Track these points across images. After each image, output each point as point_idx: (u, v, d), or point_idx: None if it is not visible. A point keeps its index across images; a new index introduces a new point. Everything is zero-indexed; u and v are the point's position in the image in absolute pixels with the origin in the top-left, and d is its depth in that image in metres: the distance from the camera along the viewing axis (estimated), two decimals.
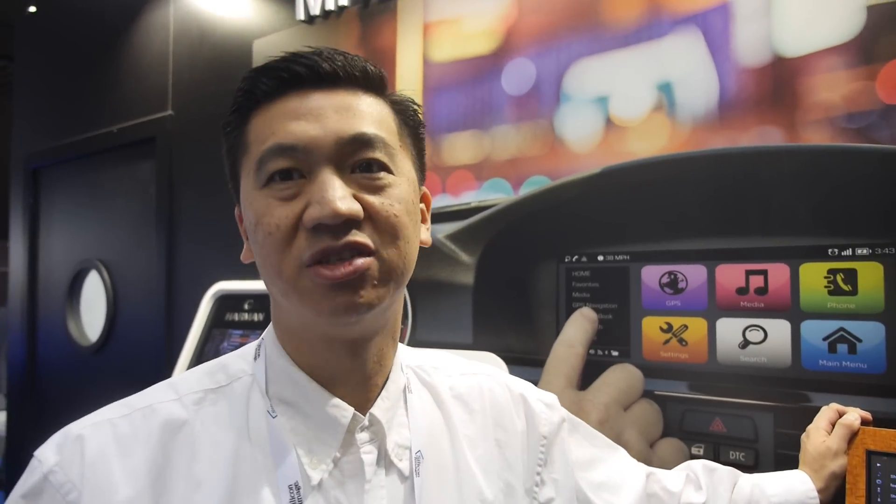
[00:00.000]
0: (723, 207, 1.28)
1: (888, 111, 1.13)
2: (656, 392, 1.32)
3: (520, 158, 1.55)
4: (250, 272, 2.03)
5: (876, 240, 1.13)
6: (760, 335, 1.22)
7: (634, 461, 0.88)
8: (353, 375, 0.63)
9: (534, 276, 1.50)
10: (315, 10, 1.94)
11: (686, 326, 1.31)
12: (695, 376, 1.29)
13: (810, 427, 1.02)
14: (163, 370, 2.30)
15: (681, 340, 1.31)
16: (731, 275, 1.26)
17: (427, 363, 0.75)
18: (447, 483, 0.66)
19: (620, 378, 1.36)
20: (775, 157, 1.23)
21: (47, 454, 0.58)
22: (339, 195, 0.55)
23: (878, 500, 0.90)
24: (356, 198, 0.57)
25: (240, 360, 0.67)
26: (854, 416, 0.99)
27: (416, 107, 0.68)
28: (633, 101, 1.40)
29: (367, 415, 0.63)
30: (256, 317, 1.96)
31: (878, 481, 0.92)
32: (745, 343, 1.24)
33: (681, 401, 1.30)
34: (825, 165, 1.18)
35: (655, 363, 1.34)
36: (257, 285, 2.02)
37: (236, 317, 2.01)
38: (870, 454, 0.95)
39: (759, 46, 1.26)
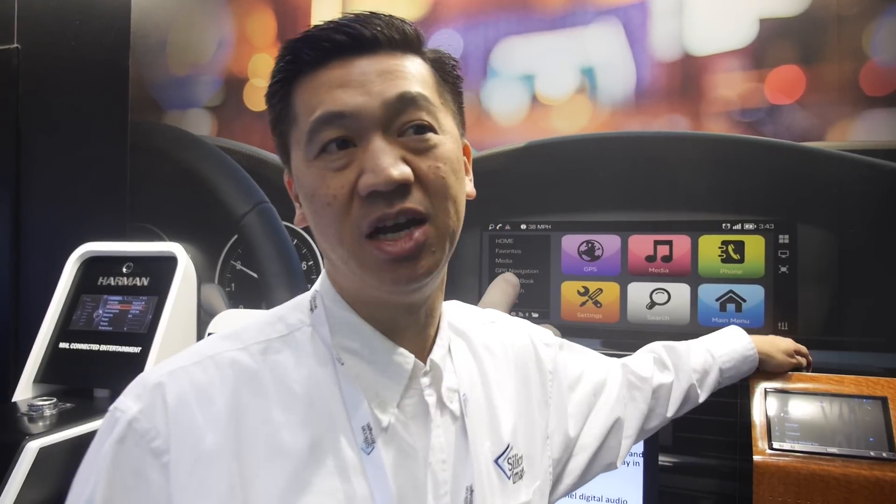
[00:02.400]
0: (635, 184, 1.44)
1: (773, 110, 1.35)
2: None
3: None
4: (125, 232, 1.85)
5: (759, 216, 1.35)
6: (665, 297, 1.41)
7: (608, 358, 0.99)
8: (409, 328, 0.66)
9: (458, 242, 1.55)
10: None
11: (601, 290, 1.46)
12: (608, 334, 1.45)
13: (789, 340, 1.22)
14: (8, 344, 2.01)
15: (596, 303, 1.46)
16: (641, 244, 1.43)
17: (451, 313, 0.78)
18: (483, 422, 0.72)
19: None
20: (682, 143, 1.41)
21: (128, 403, 0.57)
22: (391, 161, 0.57)
23: (776, 429, 1.11)
24: (405, 161, 0.59)
25: (295, 312, 0.68)
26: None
27: (453, 62, 0.69)
28: (558, 82, 1.50)
29: (428, 361, 0.67)
30: (140, 281, 1.79)
31: (774, 413, 1.13)
32: (652, 304, 1.42)
33: None
34: (722, 152, 1.38)
35: (572, 323, 1.47)
36: (136, 247, 1.84)
37: (113, 281, 1.81)
38: (766, 392, 1.15)
39: (671, 43, 1.43)
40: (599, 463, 0.89)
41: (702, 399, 1.06)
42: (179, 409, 0.57)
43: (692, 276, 1.39)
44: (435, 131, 0.61)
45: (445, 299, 0.85)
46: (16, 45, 2.04)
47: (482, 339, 0.79)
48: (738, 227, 1.36)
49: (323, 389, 0.62)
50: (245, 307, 1.77)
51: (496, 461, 0.71)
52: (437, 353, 0.68)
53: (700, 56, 1.41)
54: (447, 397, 0.68)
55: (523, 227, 1.52)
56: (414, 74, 0.61)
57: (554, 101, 1.51)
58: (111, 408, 0.58)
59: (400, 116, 0.59)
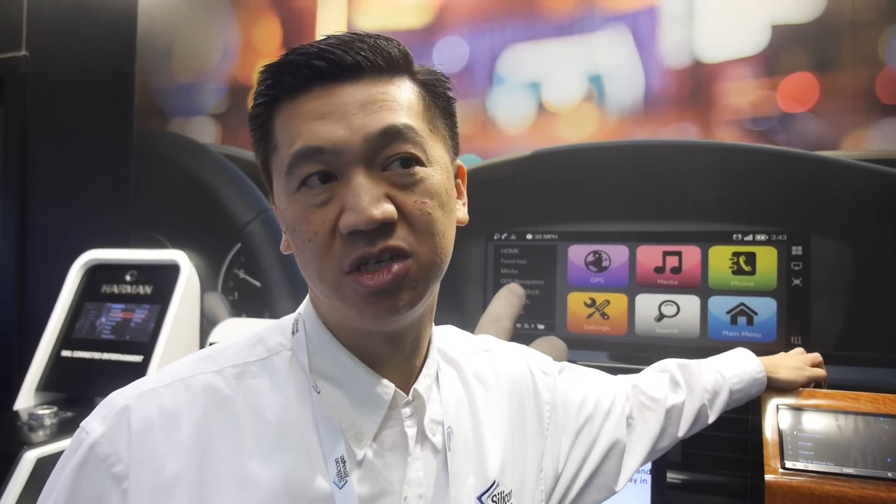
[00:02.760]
0: (644, 194, 1.41)
1: (786, 118, 1.32)
2: (579, 362, 1.42)
3: None
4: (129, 240, 1.84)
5: (771, 227, 1.32)
6: (674, 309, 1.37)
7: (615, 379, 0.96)
8: (393, 358, 0.64)
9: (462, 252, 1.53)
10: None
11: (608, 301, 1.42)
12: (615, 347, 1.41)
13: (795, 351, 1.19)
14: (12, 352, 2.00)
15: (603, 314, 1.43)
16: (649, 255, 1.40)
17: (443, 341, 0.77)
18: (469, 456, 0.69)
19: (546, 350, 1.43)
20: (691, 151, 1.38)
21: (93, 425, 0.57)
22: (372, 200, 0.55)
23: (789, 447, 1.07)
24: (389, 197, 0.56)
25: (276, 334, 0.66)
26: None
27: (446, 82, 0.66)
28: (565, 90, 1.48)
29: (412, 390, 0.64)
30: (143, 289, 1.78)
31: (787, 431, 1.09)
32: (661, 316, 1.38)
33: (601, 370, 1.41)
34: (733, 161, 1.35)
35: (579, 335, 1.44)
36: (139, 255, 1.83)
37: (116, 289, 1.80)
38: (778, 408, 1.11)
39: (681, 50, 1.40)
40: (596, 488, 0.85)
41: (711, 420, 1.02)
42: (143, 435, 0.55)
43: (702, 288, 1.36)
44: (422, 163, 0.58)
45: (443, 322, 0.84)
46: (24, 52, 2.05)
47: (474, 368, 0.76)
48: (750, 238, 1.33)
49: (297, 418, 0.60)
50: (248, 316, 1.75)
51: (479, 498, 0.68)
52: (421, 384, 0.65)
53: (710, 63, 1.38)
54: (430, 429, 0.65)
55: (529, 236, 1.49)
56: (400, 103, 0.58)
57: (561, 108, 1.49)
58: (81, 425, 0.57)
59: (384, 150, 0.57)
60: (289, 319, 0.68)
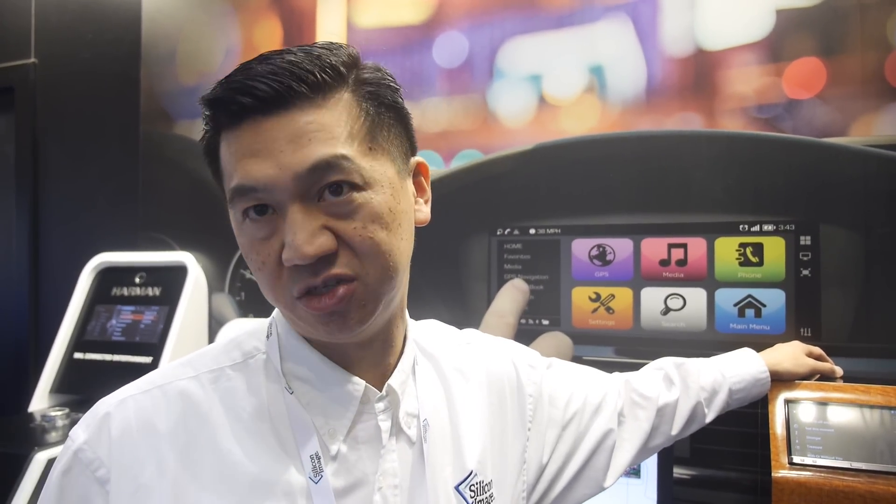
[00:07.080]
0: (648, 185, 1.38)
1: (792, 105, 1.29)
2: (585, 357, 1.41)
3: (451, 131, 1.55)
4: (137, 242, 1.86)
5: (779, 217, 1.29)
6: (680, 302, 1.35)
7: (608, 375, 0.95)
8: (364, 360, 0.66)
9: (465, 248, 1.52)
10: None
11: (613, 296, 1.40)
12: (621, 342, 1.39)
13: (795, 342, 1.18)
14: (28, 354, 2.04)
15: (608, 309, 1.41)
16: (654, 248, 1.37)
17: (423, 335, 0.78)
18: (446, 447, 0.71)
19: (551, 346, 1.43)
20: (695, 141, 1.35)
21: (78, 432, 0.60)
22: (307, 237, 0.55)
23: (797, 442, 1.05)
24: (328, 227, 0.56)
25: (252, 339, 0.68)
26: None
27: (386, 78, 0.63)
28: (566, 82, 1.46)
29: (385, 385, 0.66)
30: (152, 291, 1.80)
31: (795, 425, 1.06)
32: (667, 310, 1.36)
33: (607, 365, 1.38)
34: (738, 150, 1.32)
35: (584, 330, 1.42)
36: (148, 257, 1.85)
37: (126, 291, 1.82)
38: (786, 402, 1.09)
39: (683, 38, 1.37)
40: (584, 483, 0.84)
41: (708, 419, 1.00)
42: (122, 440, 0.59)
43: (708, 280, 1.33)
44: (359, 188, 0.57)
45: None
46: (33, 59, 2.07)
47: (454, 361, 0.78)
48: (757, 228, 1.30)
49: (273, 418, 0.63)
50: (255, 316, 1.76)
51: (457, 488, 0.69)
52: (395, 379, 0.67)
53: (713, 50, 1.35)
54: (405, 422, 0.67)
55: (532, 231, 1.47)
56: (331, 130, 0.56)
57: (562, 101, 1.47)
58: (69, 433, 0.61)
59: (316, 183, 0.56)
60: (264, 323, 0.70)
